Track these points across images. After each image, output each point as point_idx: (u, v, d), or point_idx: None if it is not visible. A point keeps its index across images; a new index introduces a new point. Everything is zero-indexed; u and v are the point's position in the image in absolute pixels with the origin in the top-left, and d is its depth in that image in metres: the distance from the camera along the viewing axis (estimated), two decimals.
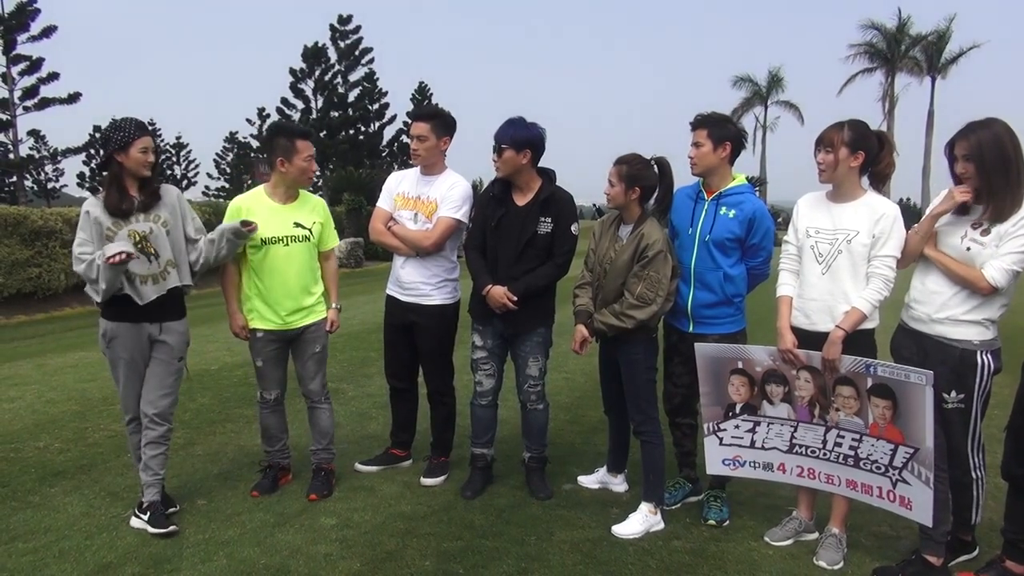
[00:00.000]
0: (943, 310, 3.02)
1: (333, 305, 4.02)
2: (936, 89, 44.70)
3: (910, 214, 3.24)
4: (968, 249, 2.97)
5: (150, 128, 3.50)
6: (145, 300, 3.44)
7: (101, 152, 3.51)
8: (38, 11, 31.08)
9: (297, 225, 3.82)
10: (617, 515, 3.63)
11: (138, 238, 3.42)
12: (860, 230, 3.14)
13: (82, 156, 46.23)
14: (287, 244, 3.79)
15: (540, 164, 3.85)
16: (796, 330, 3.28)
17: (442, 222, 3.97)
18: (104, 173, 3.48)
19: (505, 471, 4.23)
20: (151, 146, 3.45)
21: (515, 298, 3.72)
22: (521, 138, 3.72)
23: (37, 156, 41.05)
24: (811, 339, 3.23)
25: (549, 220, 3.77)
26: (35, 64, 31.83)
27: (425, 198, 4.04)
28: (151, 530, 3.41)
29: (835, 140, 3.15)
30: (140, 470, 3.56)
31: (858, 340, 3.14)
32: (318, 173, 45.37)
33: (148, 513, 3.47)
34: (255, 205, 3.84)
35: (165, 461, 3.61)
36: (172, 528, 3.42)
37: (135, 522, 3.51)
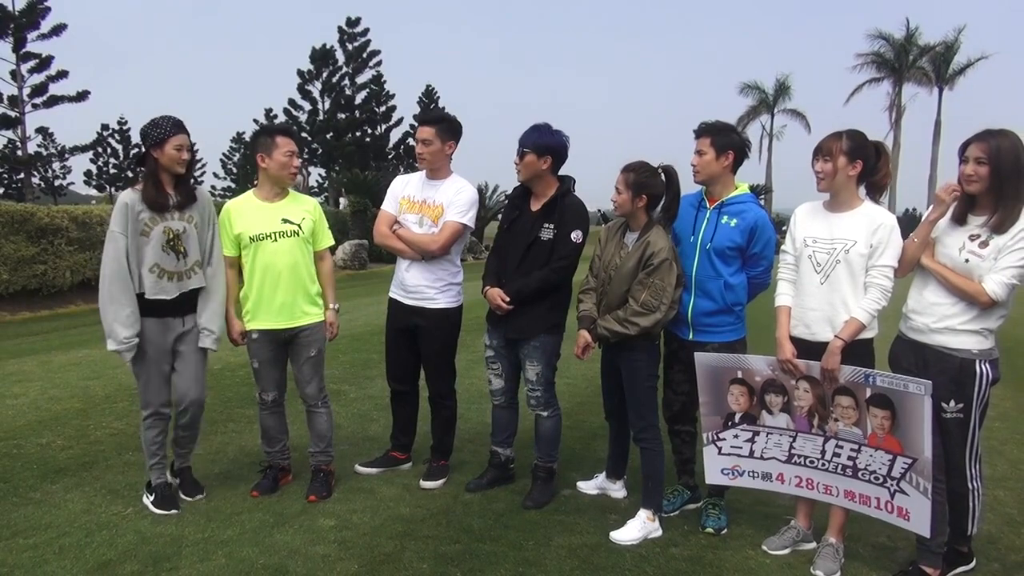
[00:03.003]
0: (943, 320, 3.03)
1: (331, 306, 3.99)
2: (943, 100, 44.60)
3: (916, 224, 3.25)
4: (967, 261, 2.98)
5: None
6: (169, 296, 3.58)
7: (141, 148, 3.64)
8: (48, 9, 31.31)
9: (285, 221, 3.85)
10: (615, 521, 3.63)
11: (171, 235, 3.56)
12: (858, 240, 3.15)
13: (89, 154, 46.59)
14: (275, 240, 3.81)
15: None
16: (796, 340, 3.29)
17: (449, 226, 3.99)
18: (142, 168, 3.60)
19: None
20: (186, 144, 3.57)
21: (508, 298, 3.78)
22: (543, 144, 3.75)
23: (45, 153, 41.26)
24: (811, 349, 3.23)
25: (552, 226, 3.78)
26: (44, 62, 31.98)
27: (431, 202, 4.06)
28: (154, 510, 3.63)
29: (833, 149, 3.17)
30: (149, 454, 3.71)
31: (856, 349, 3.15)
32: (323, 174, 45.91)
33: (155, 494, 3.68)
34: (245, 206, 3.91)
35: (194, 443, 3.93)
36: (173, 511, 3.62)
37: (145, 499, 3.74)
